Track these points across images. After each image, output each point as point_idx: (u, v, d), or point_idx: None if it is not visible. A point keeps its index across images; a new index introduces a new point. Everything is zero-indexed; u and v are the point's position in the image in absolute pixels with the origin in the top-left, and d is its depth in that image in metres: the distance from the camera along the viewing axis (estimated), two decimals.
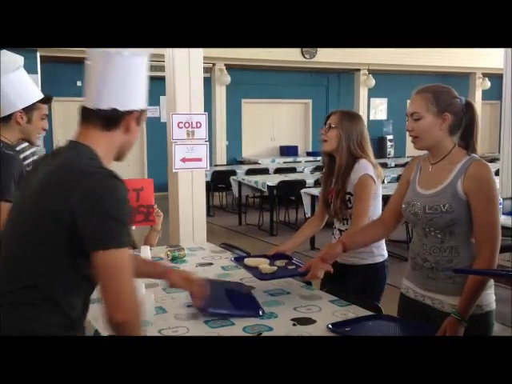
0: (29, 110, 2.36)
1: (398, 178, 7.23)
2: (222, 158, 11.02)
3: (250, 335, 1.84)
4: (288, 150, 12.03)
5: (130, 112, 1.49)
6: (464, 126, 1.95)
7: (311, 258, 2.30)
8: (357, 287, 2.45)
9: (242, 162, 11.26)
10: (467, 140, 1.96)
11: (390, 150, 12.57)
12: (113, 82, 1.47)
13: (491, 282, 1.93)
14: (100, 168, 1.42)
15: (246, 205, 8.60)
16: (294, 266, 2.39)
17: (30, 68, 2.52)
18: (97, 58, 1.48)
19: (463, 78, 13.10)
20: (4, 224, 2.36)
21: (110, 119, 1.48)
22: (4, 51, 2.38)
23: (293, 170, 9.26)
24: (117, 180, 1.40)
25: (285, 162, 10.77)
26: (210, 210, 8.54)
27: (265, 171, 9.20)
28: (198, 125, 4.36)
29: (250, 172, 8.95)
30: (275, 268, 2.34)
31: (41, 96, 2.42)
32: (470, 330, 1.84)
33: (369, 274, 2.50)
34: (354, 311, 2.11)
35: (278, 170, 9.16)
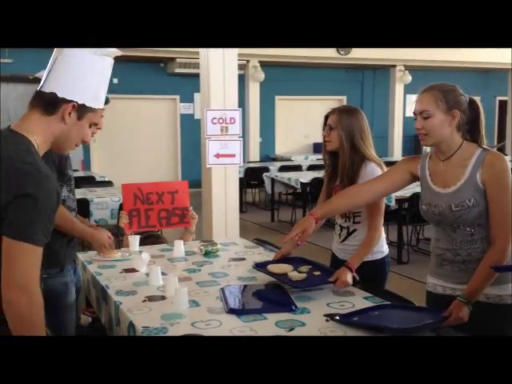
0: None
1: None
2: (255, 155, 11.04)
3: (281, 329, 1.84)
4: (321, 147, 11.94)
5: (67, 101, 1.54)
6: (469, 123, 2.01)
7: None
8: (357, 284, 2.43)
9: (274, 159, 11.25)
10: (474, 135, 2.02)
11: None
12: (59, 70, 1.55)
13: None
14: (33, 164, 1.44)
15: (278, 201, 8.59)
16: (319, 272, 2.38)
17: None
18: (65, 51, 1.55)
19: (502, 73, 12.79)
20: None
21: (49, 103, 1.54)
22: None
23: None
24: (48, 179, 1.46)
25: (318, 159, 10.68)
26: (243, 206, 8.57)
27: (298, 168, 9.18)
28: (232, 121, 4.38)
29: (282, 169, 8.94)
30: (305, 275, 2.33)
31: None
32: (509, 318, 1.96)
33: (369, 270, 2.48)
34: None
35: (311, 167, 9.14)
